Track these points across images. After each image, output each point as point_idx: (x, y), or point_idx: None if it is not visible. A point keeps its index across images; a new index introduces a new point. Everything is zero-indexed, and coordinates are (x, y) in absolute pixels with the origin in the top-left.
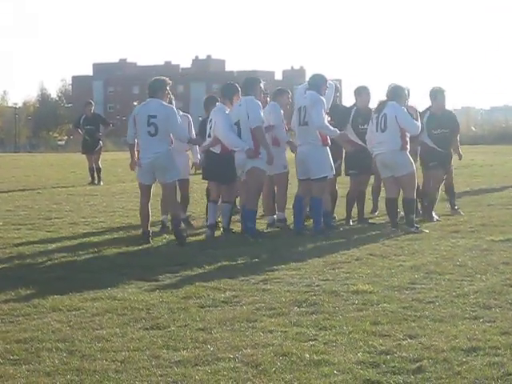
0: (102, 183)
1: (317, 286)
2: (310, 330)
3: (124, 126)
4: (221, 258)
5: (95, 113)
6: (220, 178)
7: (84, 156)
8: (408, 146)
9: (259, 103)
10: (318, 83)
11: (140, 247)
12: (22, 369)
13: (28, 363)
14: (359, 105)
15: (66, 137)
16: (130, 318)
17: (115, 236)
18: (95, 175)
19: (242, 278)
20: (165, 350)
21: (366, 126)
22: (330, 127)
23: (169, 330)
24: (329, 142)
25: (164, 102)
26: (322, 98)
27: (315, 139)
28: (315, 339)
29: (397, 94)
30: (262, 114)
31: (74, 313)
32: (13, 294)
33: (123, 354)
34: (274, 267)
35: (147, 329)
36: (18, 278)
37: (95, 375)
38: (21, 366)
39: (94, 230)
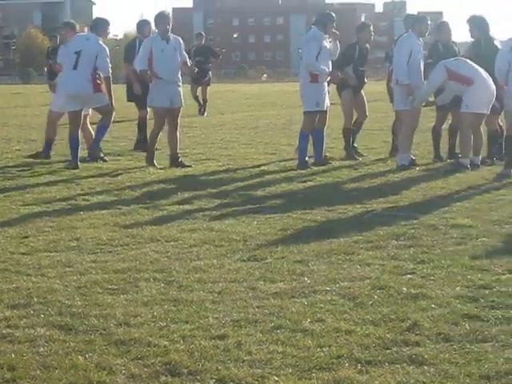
0: (206, 114)
1: (415, 219)
2: (408, 263)
3: (225, 57)
4: (318, 191)
5: (206, 44)
6: None
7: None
8: None
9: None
10: (324, 21)
11: (238, 179)
12: (120, 298)
13: (126, 293)
14: (442, 41)
15: None
16: (227, 250)
17: (213, 167)
18: (203, 106)
19: (340, 211)
20: (262, 282)
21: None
22: (317, 65)
23: (266, 261)
24: (318, 79)
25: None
26: (320, 34)
27: (305, 75)
28: (413, 273)
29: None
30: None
31: (171, 243)
32: (111, 223)
33: (220, 285)
34: (372, 200)
35: (244, 260)
36: (117, 207)
37: (192, 306)
38: (119, 296)
39: (193, 162)
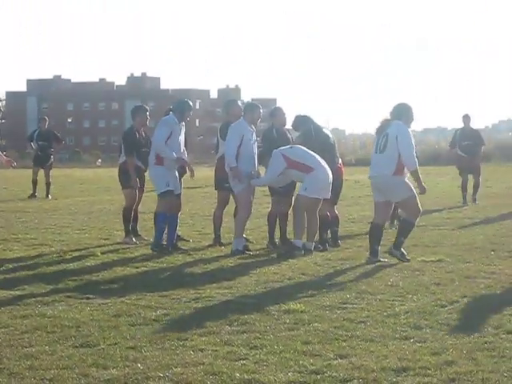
0: (50, 197)
1: (248, 304)
2: (241, 349)
3: None
4: (151, 276)
5: (49, 129)
6: None
7: (29, 171)
8: (405, 171)
9: None
10: (180, 108)
11: (71, 265)
12: None
13: None
14: (277, 126)
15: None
16: (59, 336)
17: (46, 253)
18: (45, 189)
19: (174, 297)
20: (94, 369)
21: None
22: (165, 148)
23: (99, 348)
24: (164, 162)
25: None
26: (174, 121)
27: (152, 157)
28: (246, 358)
29: (403, 112)
30: None
31: (2, 330)
32: None
33: (52, 372)
34: (206, 286)
35: (77, 347)
36: None
37: None
38: None
39: (25, 247)
